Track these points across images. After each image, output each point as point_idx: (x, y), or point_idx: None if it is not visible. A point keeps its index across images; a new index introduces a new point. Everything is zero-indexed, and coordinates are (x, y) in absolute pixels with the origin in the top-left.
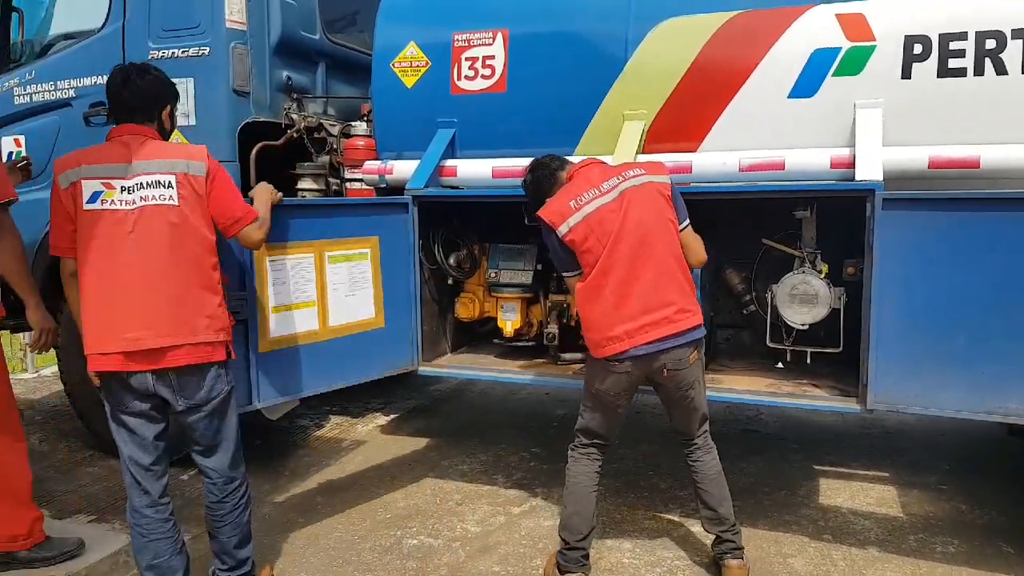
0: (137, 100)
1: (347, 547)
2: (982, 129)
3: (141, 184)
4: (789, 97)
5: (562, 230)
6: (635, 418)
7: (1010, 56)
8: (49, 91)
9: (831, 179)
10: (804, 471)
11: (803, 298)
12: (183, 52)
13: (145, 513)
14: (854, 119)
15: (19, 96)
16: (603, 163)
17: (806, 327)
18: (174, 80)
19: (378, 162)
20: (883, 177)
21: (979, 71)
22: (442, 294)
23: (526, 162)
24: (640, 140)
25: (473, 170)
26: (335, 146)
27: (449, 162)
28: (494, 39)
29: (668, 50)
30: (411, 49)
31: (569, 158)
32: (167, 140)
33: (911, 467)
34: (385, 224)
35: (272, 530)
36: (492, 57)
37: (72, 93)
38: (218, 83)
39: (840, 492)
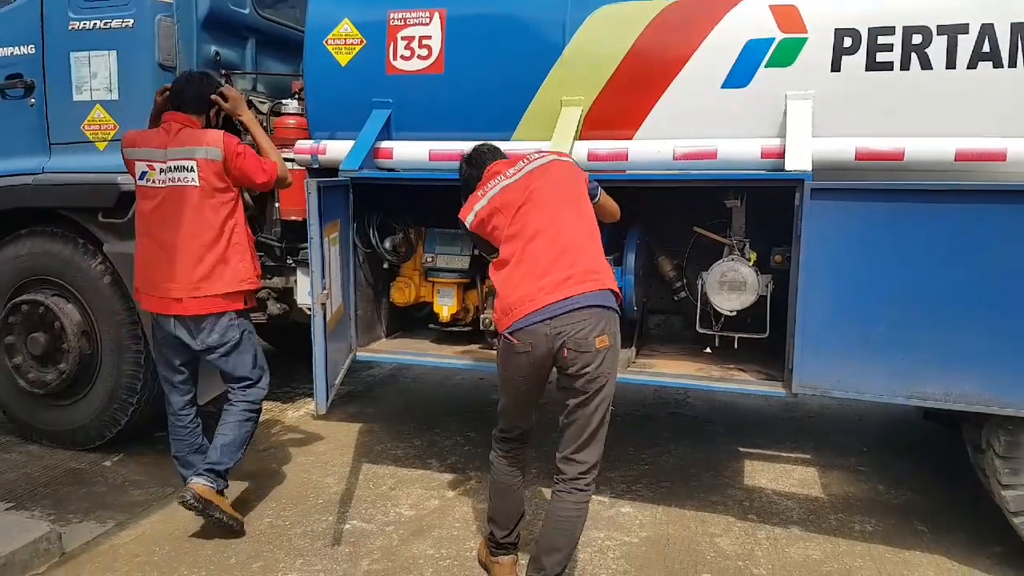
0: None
1: (277, 533)
2: (907, 122)
3: (171, 168)
4: (723, 87)
5: (469, 219)
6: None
7: (935, 51)
8: None
9: (762, 169)
10: (730, 453)
11: (731, 285)
12: (105, 24)
13: (170, 419)
14: (785, 110)
15: None
16: (521, 159)
17: (734, 313)
18: (94, 52)
19: (310, 142)
20: (812, 167)
21: (905, 66)
22: (377, 278)
23: (464, 146)
24: (577, 126)
25: (409, 152)
26: (264, 124)
27: (385, 143)
28: (431, 19)
29: (605, 37)
30: (345, 26)
31: (505, 145)
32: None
33: (832, 449)
34: (341, 206)
35: (200, 518)
36: (429, 37)
37: None
38: (142, 57)
39: (764, 473)
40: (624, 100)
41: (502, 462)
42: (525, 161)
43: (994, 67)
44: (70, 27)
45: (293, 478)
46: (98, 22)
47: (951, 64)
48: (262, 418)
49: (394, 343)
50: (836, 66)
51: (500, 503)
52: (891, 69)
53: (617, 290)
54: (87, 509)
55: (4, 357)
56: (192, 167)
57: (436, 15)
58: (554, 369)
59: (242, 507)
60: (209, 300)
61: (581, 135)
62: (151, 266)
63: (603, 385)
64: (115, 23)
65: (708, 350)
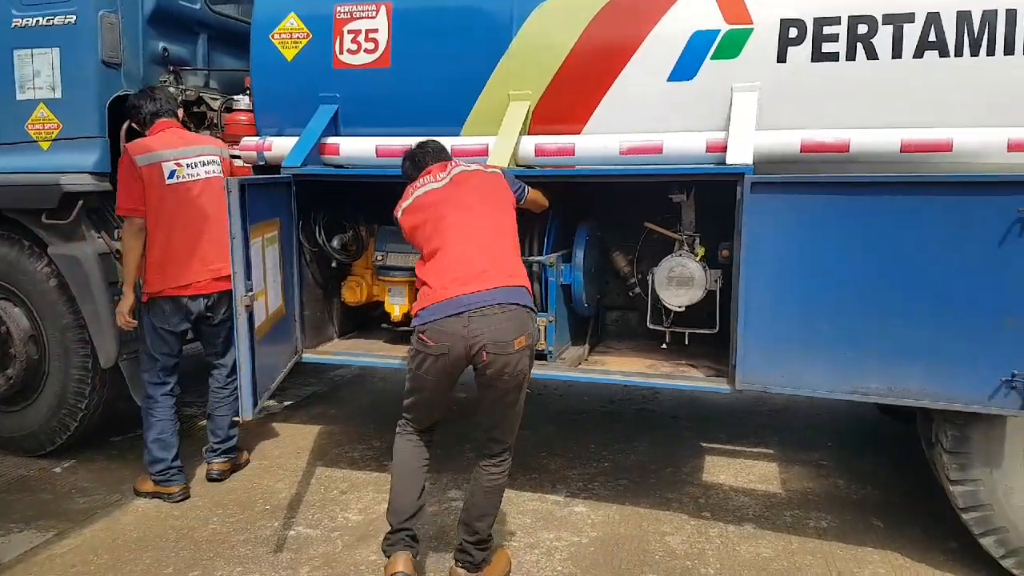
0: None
1: (220, 540)
2: (853, 113)
3: (202, 162)
4: (669, 80)
5: (398, 215)
6: (536, 399)
7: (881, 42)
8: None
9: (708, 163)
10: (692, 449)
11: (679, 280)
12: (48, 20)
13: (156, 404)
14: (731, 103)
15: None
16: (450, 162)
17: (683, 309)
18: (36, 50)
19: (256, 139)
20: (757, 161)
21: (851, 56)
22: (327, 278)
23: (411, 141)
24: (525, 121)
25: (356, 148)
26: (216, 121)
27: (331, 139)
28: (377, 12)
29: (552, 29)
30: (291, 20)
31: (453, 141)
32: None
33: (795, 444)
34: (281, 205)
35: (142, 523)
36: (375, 31)
37: None
38: (86, 54)
39: (725, 469)
40: (572, 94)
41: (411, 442)
42: (453, 164)
43: (940, 56)
44: (13, 24)
45: (243, 483)
46: (40, 19)
47: (897, 54)
48: None
49: (346, 343)
50: (782, 57)
51: (400, 487)
52: (836, 60)
53: (531, 291)
54: (30, 518)
55: None
56: (217, 161)
57: (382, 8)
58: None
59: (189, 513)
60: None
61: (530, 130)
62: (190, 254)
63: (521, 380)
64: (57, 20)
65: (664, 346)
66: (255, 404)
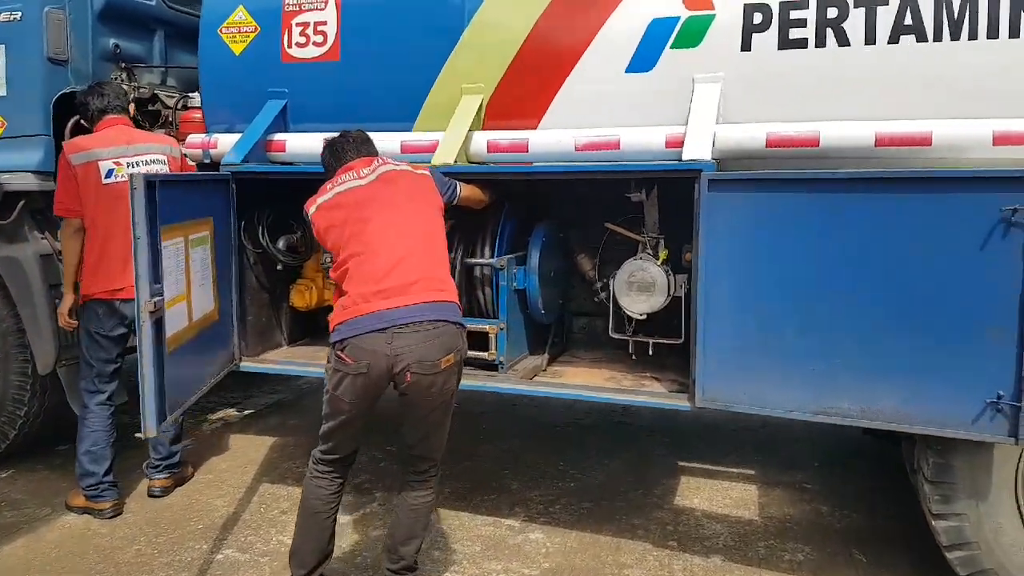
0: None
1: (141, 563)
2: (823, 105)
3: (144, 161)
4: (627, 71)
5: (311, 211)
6: (509, 410)
7: (852, 26)
8: None
9: (667, 159)
10: (667, 468)
11: (640, 286)
12: None
13: (91, 414)
14: (692, 95)
15: None
16: (376, 158)
17: (644, 317)
18: None
19: (202, 136)
20: (722, 158)
21: (821, 42)
22: (274, 281)
23: (374, 137)
24: (479, 116)
25: (304, 145)
26: (170, 119)
27: (278, 136)
28: (326, 3)
29: (506, 18)
30: (239, 13)
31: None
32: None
33: (779, 464)
34: (216, 204)
35: (65, 541)
36: (324, 23)
37: None
38: (31, 51)
39: (699, 492)
40: (526, 87)
41: (318, 483)
42: (379, 162)
43: (917, 41)
44: None
45: (182, 498)
46: None
47: (870, 39)
48: None
49: (293, 351)
50: (746, 45)
51: (305, 532)
52: (805, 47)
53: (459, 305)
54: None
55: None
56: (164, 160)
57: None
58: None
59: (116, 532)
60: None
61: (484, 125)
62: (126, 256)
63: (448, 398)
64: (3, 16)
65: (633, 357)
66: (160, 419)
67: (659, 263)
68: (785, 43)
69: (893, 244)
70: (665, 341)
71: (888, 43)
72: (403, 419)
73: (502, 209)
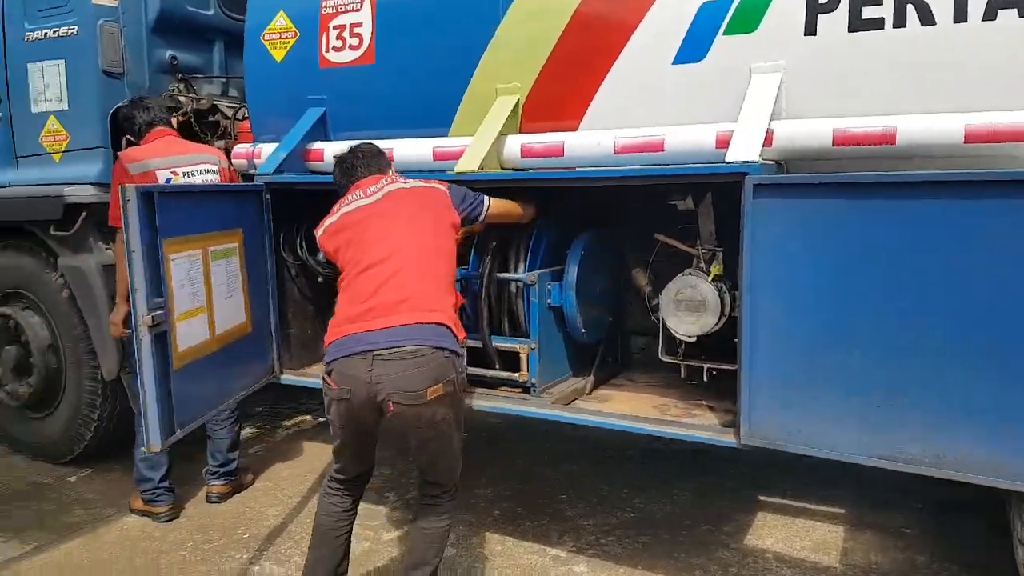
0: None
1: (181, 568)
2: (902, 95)
3: (199, 171)
4: (675, 63)
5: (319, 234)
6: (574, 432)
7: (938, 1)
8: None
9: (718, 160)
10: (743, 501)
11: (689, 305)
12: (54, 32)
13: None
14: (748, 87)
15: None
16: (385, 176)
17: (693, 339)
18: (46, 63)
19: (247, 146)
20: (786, 158)
21: (900, 21)
22: (317, 293)
23: (403, 144)
24: (515, 118)
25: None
26: (228, 130)
27: (317, 144)
28: (361, 4)
29: (541, 11)
30: (280, 19)
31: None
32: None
33: (876, 503)
34: (247, 215)
35: (120, 542)
36: (359, 25)
37: None
38: (87, 64)
39: (774, 531)
40: (564, 85)
41: (330, 500)
42: (387, 180)
43: (1020, 16)
44: (26, 38)
45: (237, 506)
46: (48, 31)
47: (961, 16)
48: (243, 435)
49: None
50: (811, 28)
51: (317, 550)
52: (881, 27)
53: (458, 332)
54: (24, 527)
55: None
56: (216, 170)
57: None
58: None
59: (169, 535)
60: None
61: (521, 127)
62: None
63: (445, 429)
64: (62, 31)
65: (693, 382)
66: (167, 434)
67: (710, 279)
68: (857, 24)
69: (976, 259)
70: (718, 366)
71: (983, 20)
72: (412, 450)
73: (537, 220)
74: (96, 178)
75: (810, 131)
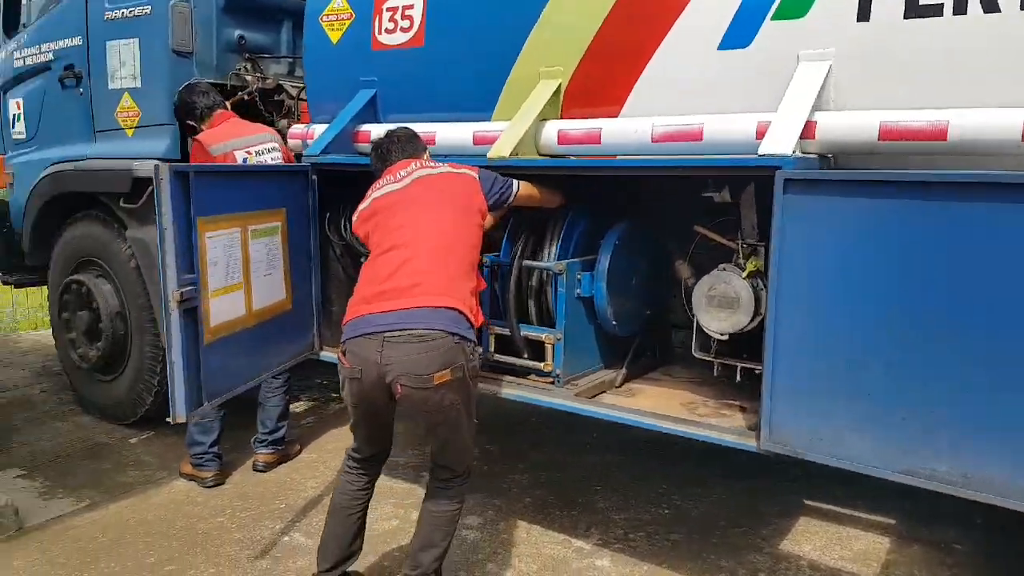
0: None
1: (217, 535)
2: (961, 88)
3: (267, 149)
4: (720, 48)
5: (354, 222)
6: (614, 423)
7: None
8: (35, 55)
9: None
10: (786, 504)
11: (721, 301)
12: (130, 12)
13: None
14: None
15: (17, 60)
16: (416, 159)
17: (725, 337)
18: (122, 41)
19: (303, 127)
20: (834, 152)
21: (960, 8)
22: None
23: (445, 128)
24: (555, 103)
25: None
26: (292, 109)
27: (365, 126)
28: None
29: None
30: (338, 1)
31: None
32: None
33: (928, 516)
34: (291, 195)
35: (165, 505)
36: (411, 6)
37: (51, 56)
38: (158, 43)
39: (814, 537)
40: (607, 69)
41: (346, 478)
42: (417, 164)
43: None
44: (106, 17)
45: (279, 475)
46: (125, 11)
47: None
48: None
49: None
50: (864, 14)
51: (331, 526)
52: (940, 14)
53: (475, 318)
54: (80, 485)
55: (63, 331)
56: (277, 148)
57: None
58: None
59: (211, 501)
60: None
61: (563, 113)
62: None
63: (453, 415)
64: (137, 11)
65: (725, 380)
66: (193, 405)
67: (745, 275)
68: (913, 9)
69: (1016, 265)
70: (748, 365)
71: None
72: (422, 431)
73: (570, 207)
74: (164, 153)
75: (854, 124)
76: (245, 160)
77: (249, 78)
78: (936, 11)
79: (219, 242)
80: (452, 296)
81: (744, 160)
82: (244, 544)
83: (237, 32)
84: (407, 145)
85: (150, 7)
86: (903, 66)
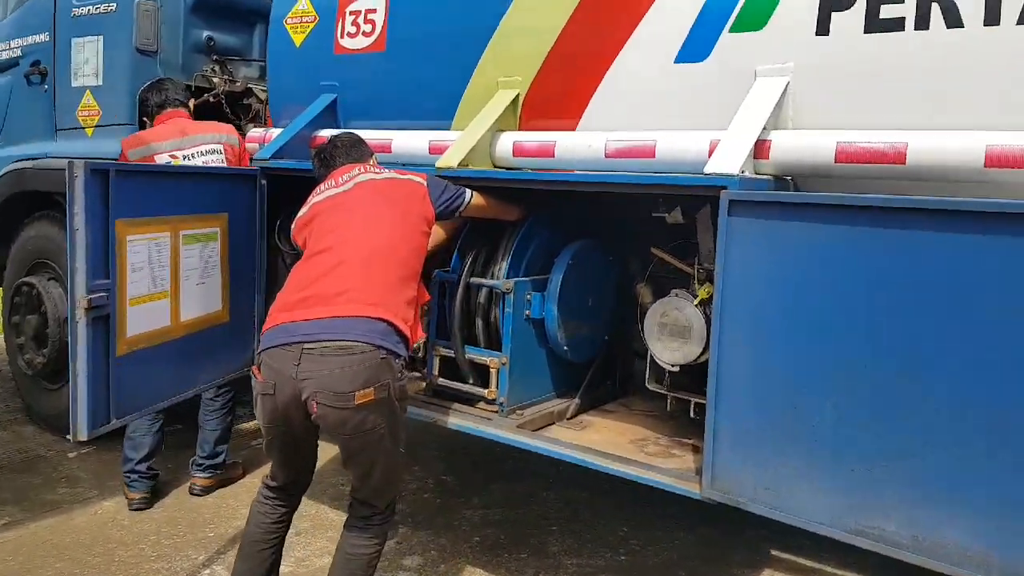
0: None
1: (135, 564)
2: (920, 107)
3: (201, 152)
4: (676, 61)
5: (293, 226)
6: None
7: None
8: (5, 51)
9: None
10: (754, 554)
11: (673, 330)
12: (96, 9)
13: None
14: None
15: None
16: (361, 164)
17: (677, 368)
18: (87, 38)
19: (260, 130)
20: (788, 174)
21: (922, 23)
22: None
23: (401, 136)
24: (513, 114)
25: None
26: (261, 113)
27: (324, 132)
28: None
29: (545, 1)
30: (303, 3)
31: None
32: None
33: (906, 568)
34: (235, 199)
35: (88, 527)
36: (373, 11)
37: (19, 52)
38: (122, 41)
39: None
40: (565, 80)
41: (259, 509)
42: (360, 169)
43: None
44: (73, 14)
45: (214, 500)
46: (91, 7)
47: (992, 19)
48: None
49: None
50: (823, 28)
51: (241, 564)
52: (902, 28)
53: (410, 332)
54: (3, 501)
55: (12, 336)
56: (220, 150)
57: None
58: None
59: (136, 525)
60: None
61: (521, 124)
62: None
63: (373, 440)
64: (103, 7)
65: (693, 416)
66: (99, 423)
67: (697, 302)
68: (874, 24)
69: (987, 307)
70: (702, 401)
71: (1018, 23)
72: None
73: (525, 222)
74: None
75: (809, 144)
76: (168, 164)
77: (216, 80)
78: (898, 25)
79: (143, 247)
80: (383, 306)
81: (689, 179)
82: (161, 574)
83: (206, 33)
84: (352, 150)
85: (115, 4)
86: (862, 82)
